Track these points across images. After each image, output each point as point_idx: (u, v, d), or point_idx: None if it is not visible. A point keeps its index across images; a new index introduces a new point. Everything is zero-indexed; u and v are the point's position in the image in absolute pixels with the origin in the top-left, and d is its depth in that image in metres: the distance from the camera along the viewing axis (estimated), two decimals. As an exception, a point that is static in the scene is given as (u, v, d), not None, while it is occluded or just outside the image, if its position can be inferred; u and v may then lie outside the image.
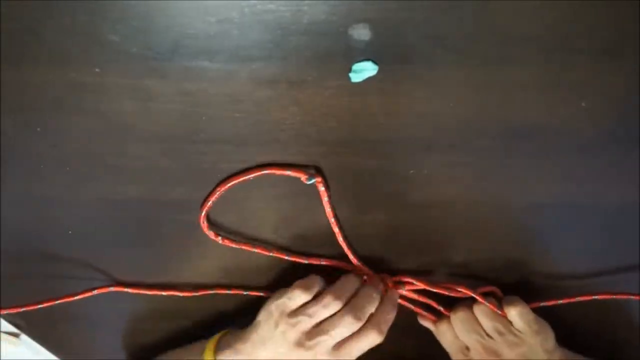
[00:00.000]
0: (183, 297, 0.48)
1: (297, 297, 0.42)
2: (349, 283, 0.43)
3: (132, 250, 0.45)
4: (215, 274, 0.47)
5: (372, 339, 0.42)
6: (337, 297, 0.42)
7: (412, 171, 0.39)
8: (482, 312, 0.45)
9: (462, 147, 0.38)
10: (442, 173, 0.39)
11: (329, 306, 0.41)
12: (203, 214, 0.41)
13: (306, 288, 0.42)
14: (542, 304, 0.46)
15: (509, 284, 0.46)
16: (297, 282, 0.43)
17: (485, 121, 0.36)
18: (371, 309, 0.42)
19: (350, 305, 0.42)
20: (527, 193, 0.41)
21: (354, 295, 0.43)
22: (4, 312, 0.47)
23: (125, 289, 0.47)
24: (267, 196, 0.41)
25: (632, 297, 0.45)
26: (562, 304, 0.46)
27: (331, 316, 0.42)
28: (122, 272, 0.47)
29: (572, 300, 0.46)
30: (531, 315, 0.44)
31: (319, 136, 0.37)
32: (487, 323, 0.44)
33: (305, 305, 0.42)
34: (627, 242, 0.43)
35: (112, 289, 0.47)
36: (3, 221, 0.43)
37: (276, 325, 0.42)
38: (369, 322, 0.42)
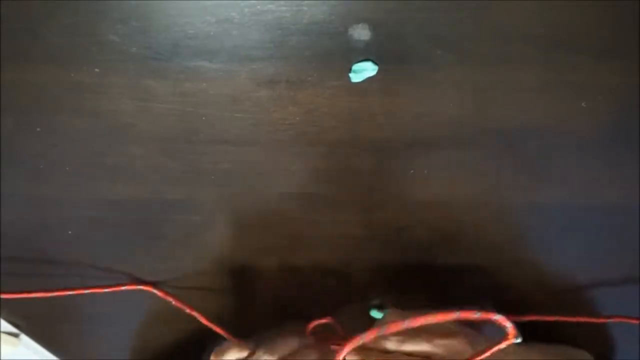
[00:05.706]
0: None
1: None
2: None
3: (131, 250, 0.45)
4: (214, 274, 0.47)
5: None
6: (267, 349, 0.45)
7: (412, 171, 0.39)
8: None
9: (462, 147, 0.38)
10: (442, 173, 0.39)
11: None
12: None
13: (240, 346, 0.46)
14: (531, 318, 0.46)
15: (508, 284, 0.46)
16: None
17: (485, 121, 0.36)
18: (286, 349, 0.45)
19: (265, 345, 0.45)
20: (527, 193, 0.41)
21: None
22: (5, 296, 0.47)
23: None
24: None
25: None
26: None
27: None
28: (120, 271, 0.47)
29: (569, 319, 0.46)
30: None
31: (319, 136, 0.37)
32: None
33: None
34: (627, 243, 0.43)
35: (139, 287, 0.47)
36: (3, 221, 0.42)
37: None
38: None
